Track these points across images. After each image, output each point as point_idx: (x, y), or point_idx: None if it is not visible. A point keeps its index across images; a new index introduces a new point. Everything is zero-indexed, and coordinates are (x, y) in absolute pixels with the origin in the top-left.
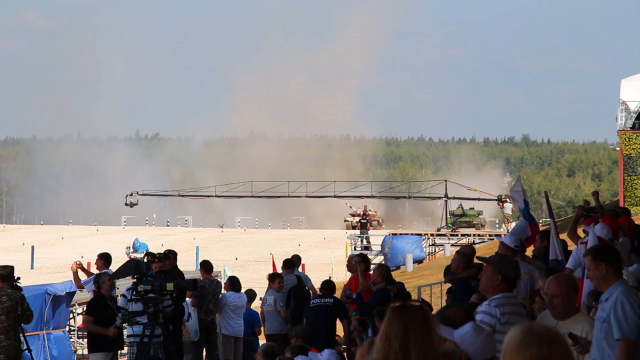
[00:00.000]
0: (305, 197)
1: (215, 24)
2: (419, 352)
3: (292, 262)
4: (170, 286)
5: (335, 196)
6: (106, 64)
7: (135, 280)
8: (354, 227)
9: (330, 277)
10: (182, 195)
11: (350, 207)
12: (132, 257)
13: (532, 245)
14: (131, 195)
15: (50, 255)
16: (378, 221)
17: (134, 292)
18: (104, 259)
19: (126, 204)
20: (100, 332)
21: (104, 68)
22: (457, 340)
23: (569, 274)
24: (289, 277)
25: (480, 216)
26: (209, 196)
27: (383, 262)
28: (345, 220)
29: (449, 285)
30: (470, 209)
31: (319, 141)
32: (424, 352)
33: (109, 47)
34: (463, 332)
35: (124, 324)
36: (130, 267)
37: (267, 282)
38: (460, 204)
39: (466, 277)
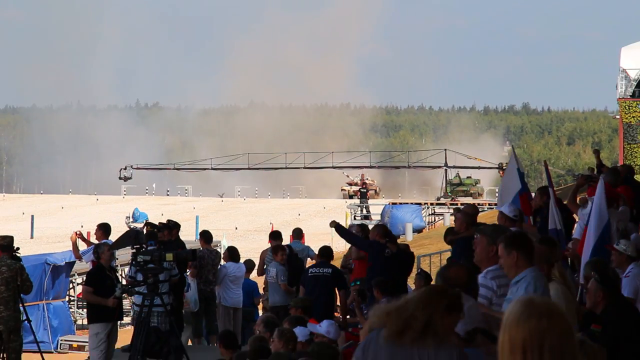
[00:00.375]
0: (303, 168)
1: None
2: (419, 320)
3: (279, 234)
4: (169, 256)
5: (333, 167)
6: (106, 32)
7: (134, 250)
8: (350, 197)
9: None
10: (178, 169)
11: (347, 176)
12: (131, 227)
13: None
14: (125, 169)
15: (50, 225)
16: (375, 190)
17: (133, 262)
18: (103, 229)
19: (120, 178)
20: (99, 302)
21: (104, 36)
22: None
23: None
24: None
25: (477, 185)
26: (204, 169)
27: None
28: (342, 190)
29: (448, 254)
30: (468, 177)
31: (318, 110)
32: (429, 320)
33: (108, 15)
34: None
35: (124, 295)
36: (130, 238)
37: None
38: (458, 173)
39: (466, 237)
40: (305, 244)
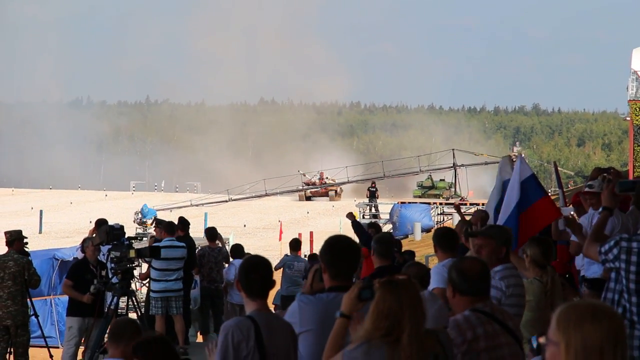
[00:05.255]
0: (315, 186)
1: None
2: (412, 328)
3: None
4: (132, 253)
5: (334, 183)
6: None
7: (111, 247)
8: (308, 198)
9: None
10: (196, 205)
11: (304, 175)
12: (141, 222)
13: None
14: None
15: (58, 220)
16: (336, 191)
17: (109, 259)
18: (97, 225)
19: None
20: (76, 297)
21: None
22: None
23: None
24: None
25: (450, 188)
26: (224, 202)
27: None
28: (298, 190)
29: None
30: (441, 180)
31: (328, 108)
32: (417, 327)
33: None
34: None
35: (102, 290)
36: (103, 233)
37: (276, 248)
38: (430, 175)
39: None
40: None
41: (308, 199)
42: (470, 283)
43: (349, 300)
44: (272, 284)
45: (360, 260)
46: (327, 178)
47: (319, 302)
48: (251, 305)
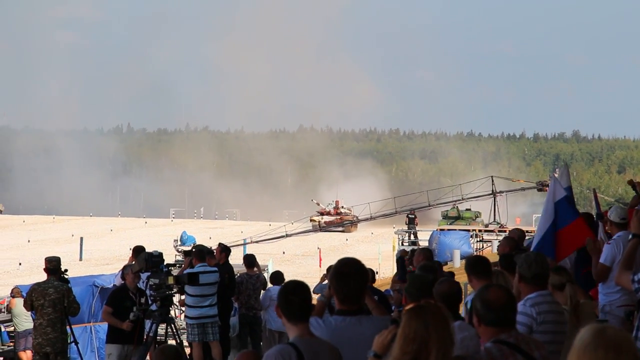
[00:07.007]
0: (355, 221)
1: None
2: (439, 352)
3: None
4: (170, 279)
5: (371, 217)
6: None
7: (149, 274)
8: (321, 228)
9: (377, 272)
10: (256, 242)
11: (318, 204)
12: (180, 250)
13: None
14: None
15: (98, 247)
16: (351, 220)
17: (148, 286)
18: (135, 252)
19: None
20: (115, 324)
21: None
22: None
23: None
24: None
25: (477, 218)
26: (282, 237)
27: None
28: (311, 220)
29: None
30: (467, 210)
31: (367, 135)
32: (444, 351)
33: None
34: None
35: (140, 317)
36: (142, 261)
37: (315, 274)
38: (456, 205)
39: None
40: None
41: (321, 228)
42: (495, 313)
43: (382, 342)
44: (312, 307)
45: (367, 284)
46: (342, 207)
47: (328, 327)
48: (293, 331)
